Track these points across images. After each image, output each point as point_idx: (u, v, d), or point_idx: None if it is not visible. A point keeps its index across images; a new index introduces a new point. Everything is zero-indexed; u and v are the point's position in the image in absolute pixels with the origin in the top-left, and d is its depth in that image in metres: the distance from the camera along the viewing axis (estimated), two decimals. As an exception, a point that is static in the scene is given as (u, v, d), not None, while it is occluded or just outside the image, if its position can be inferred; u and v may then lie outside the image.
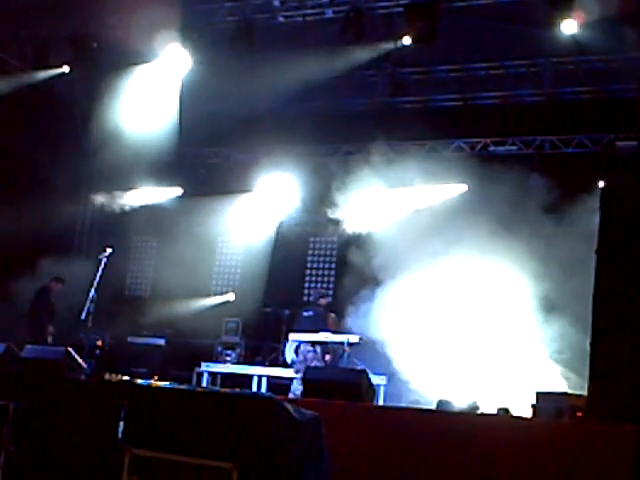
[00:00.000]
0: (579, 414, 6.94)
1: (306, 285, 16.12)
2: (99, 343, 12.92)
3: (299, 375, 11.65)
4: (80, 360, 9.19)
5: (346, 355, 11.73)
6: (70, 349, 9.14)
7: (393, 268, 12.39)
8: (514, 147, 14.36)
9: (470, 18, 13.20)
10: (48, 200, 14.86)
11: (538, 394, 7.55)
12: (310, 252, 16.38)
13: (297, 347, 12.52)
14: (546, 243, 11.95)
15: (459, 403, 7.72)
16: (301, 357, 12.22)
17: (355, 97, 15.59)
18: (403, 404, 11.46)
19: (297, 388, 11.63)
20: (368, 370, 8.29)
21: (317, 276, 16.14)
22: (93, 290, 11.52)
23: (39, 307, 13.73)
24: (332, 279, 15.94)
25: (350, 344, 11.87)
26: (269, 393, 6.70)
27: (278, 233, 16.01)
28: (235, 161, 16.58)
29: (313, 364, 11.86)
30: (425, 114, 14.73)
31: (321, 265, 16.24)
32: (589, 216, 7.93)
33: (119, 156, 14.84)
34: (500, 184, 12.34)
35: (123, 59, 14.81)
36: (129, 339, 15.05)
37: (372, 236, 13.39)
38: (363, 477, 6.70)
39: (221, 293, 16.73)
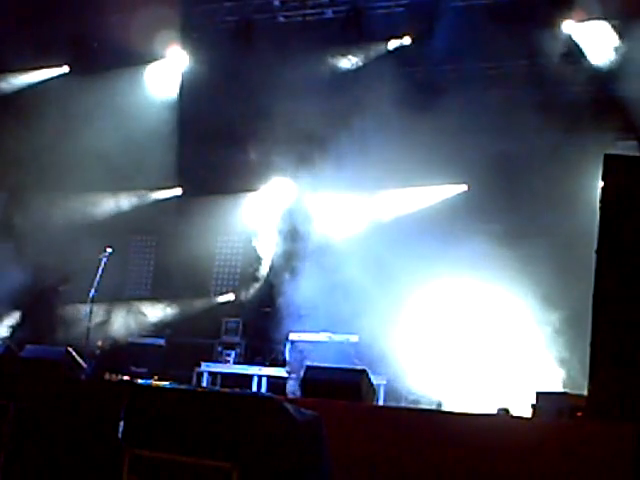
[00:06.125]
0: (579, 414, 6.95)
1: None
2: (99, 343, 12.94)
3: (294, 375, 11.72)
4: (80, 360, 9.20)
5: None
6: (70, 349, 9.15)
7: (393, 268, 12.38)
8: (514, 147, 14.34)
9: (470, 18, 13.20)
10: (48, 200, 14.87)
11: (538, 394, 7.56)
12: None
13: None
14: (546, 243, 11.95)
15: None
16: (296, 355, 12.26)
17: (355, 97, 15.56)
18: (403, 404, 11.47)
19: (293, 385, 11.67)
20: (368, 370, 8.29)
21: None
22: (93, 290, 11.53)
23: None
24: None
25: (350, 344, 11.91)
26: (269, 393, 6.70)
27: (278, 232, 16.00)
28: (236, 161, 16.56)
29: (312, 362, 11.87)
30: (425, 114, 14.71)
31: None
32: (589, 216, 7.92)
33: (119, 156, 14.84)
34: (500, 184, 12.33)
35: (123, 59, 14.80)
36: (129, 339, 15.05)
37: (371, 236, 13.39)
38: (363, 477, 6.70)
39: (221, 293, 16.73)
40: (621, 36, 12.59)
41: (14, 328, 14.16)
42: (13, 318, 14.29)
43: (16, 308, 14.47)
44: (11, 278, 14.24)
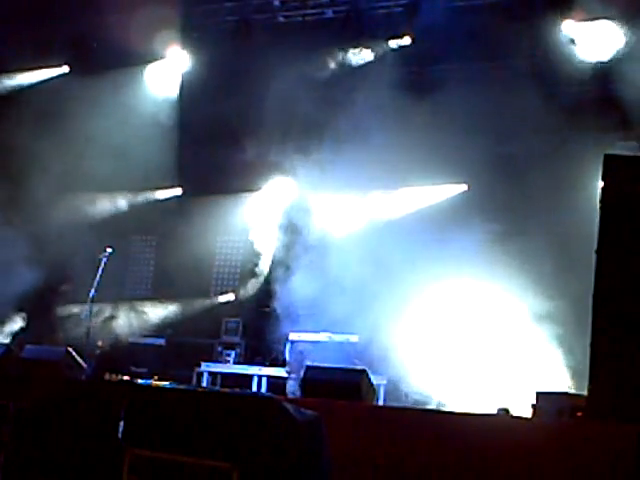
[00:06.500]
0: (579, 414, 6.95)
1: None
2: (99, 343, 12.94)
3: (294, 375, 11.72)
4: (80, 360, 9.20)
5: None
6: (70, 349, 9.15)
7: (393, 267, 12.38)
8: (514, 146, 14.34)
9: (471, 17, 13.20)
10: (48, 200, 14.86)
11: (538, 394, 7.56)
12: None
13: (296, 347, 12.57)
14: (546, 242, 11.95)
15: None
16: (296, 355, 12.26)
17: (355, 97, 15.56)
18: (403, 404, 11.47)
19: (293, 385, 11.68)
20: (368, 370, 8.28)
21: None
22: (93, 290, 11.53)
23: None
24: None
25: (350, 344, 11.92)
26: (269, 393, 6.70)
27: (278, 231, 16.00)
28: (236, 161, 16.57)
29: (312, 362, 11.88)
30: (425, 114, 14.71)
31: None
32: (589, 215, 7.93)
33: (119, 155, 14.84)
34: (500, 184, 12.33)
35: (123, 59, 14.80)
36: (129, 339, 15.06)
37: (372, 235, 13.39)
38: (363, 477, 6.70)
39: (221, 293, 16.73)
40: (621, 35, 12.58)
41: (18, 330, 14.17)
42: (16, 320, 14.29)
43: (19, 309, 14.47)
44: (12, 279, 14.25)
